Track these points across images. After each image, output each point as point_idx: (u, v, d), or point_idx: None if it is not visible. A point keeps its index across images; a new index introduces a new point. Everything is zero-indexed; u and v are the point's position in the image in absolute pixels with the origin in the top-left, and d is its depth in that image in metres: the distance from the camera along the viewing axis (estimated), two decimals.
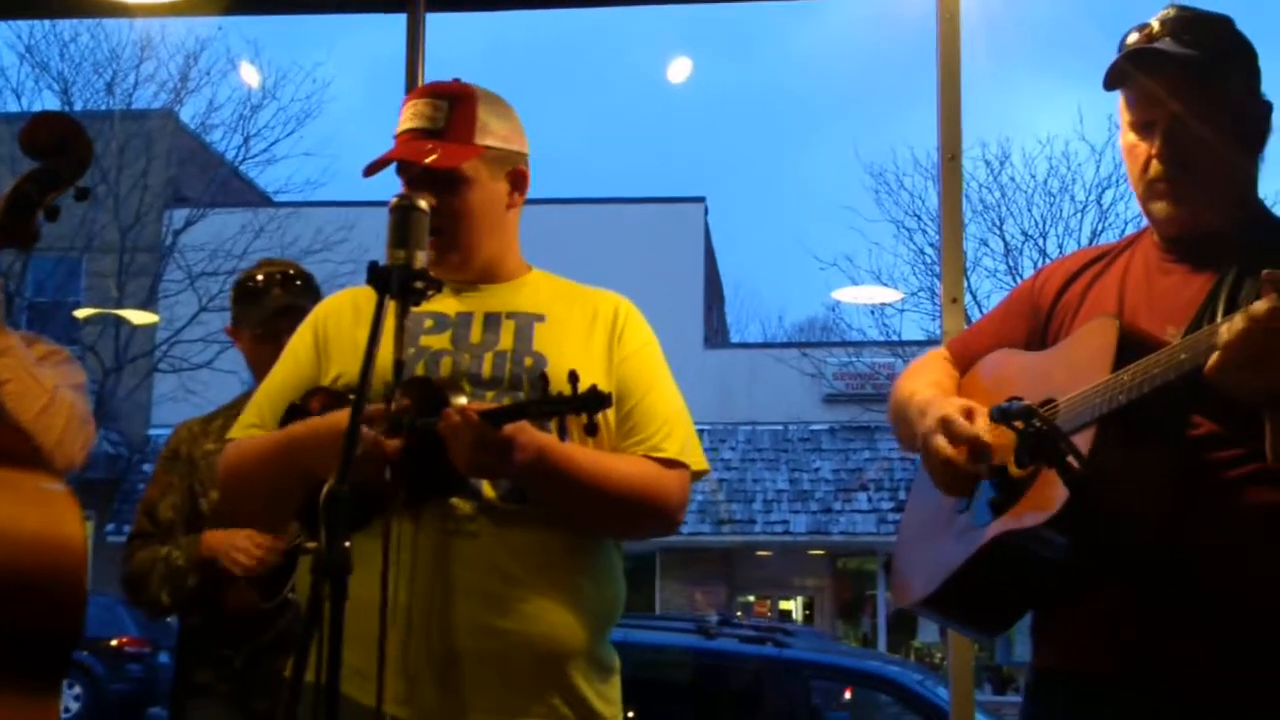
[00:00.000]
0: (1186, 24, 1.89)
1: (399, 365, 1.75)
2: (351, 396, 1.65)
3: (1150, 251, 1.96)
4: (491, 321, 2.09)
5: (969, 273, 17.12)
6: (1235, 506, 1.75)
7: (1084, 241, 17.45)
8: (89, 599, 2.05)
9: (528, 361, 2.03)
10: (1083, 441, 1.74)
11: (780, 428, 20.07)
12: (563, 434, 1.95)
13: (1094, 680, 1.85)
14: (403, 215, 1.80)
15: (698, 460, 2.10)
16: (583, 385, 1.82)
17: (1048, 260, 12.25)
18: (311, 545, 1.58)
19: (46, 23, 17.25)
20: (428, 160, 2.05)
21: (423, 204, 1.82)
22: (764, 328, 34.78)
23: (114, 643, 14.48)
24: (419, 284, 1.76)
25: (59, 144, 2.13)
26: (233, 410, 2.89)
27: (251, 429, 2.10)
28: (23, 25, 17.14)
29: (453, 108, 2.10)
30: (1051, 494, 1.73)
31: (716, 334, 25.14)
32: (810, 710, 6.38)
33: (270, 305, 3.09)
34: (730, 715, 6.25)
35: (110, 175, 17.80)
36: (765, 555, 20.23)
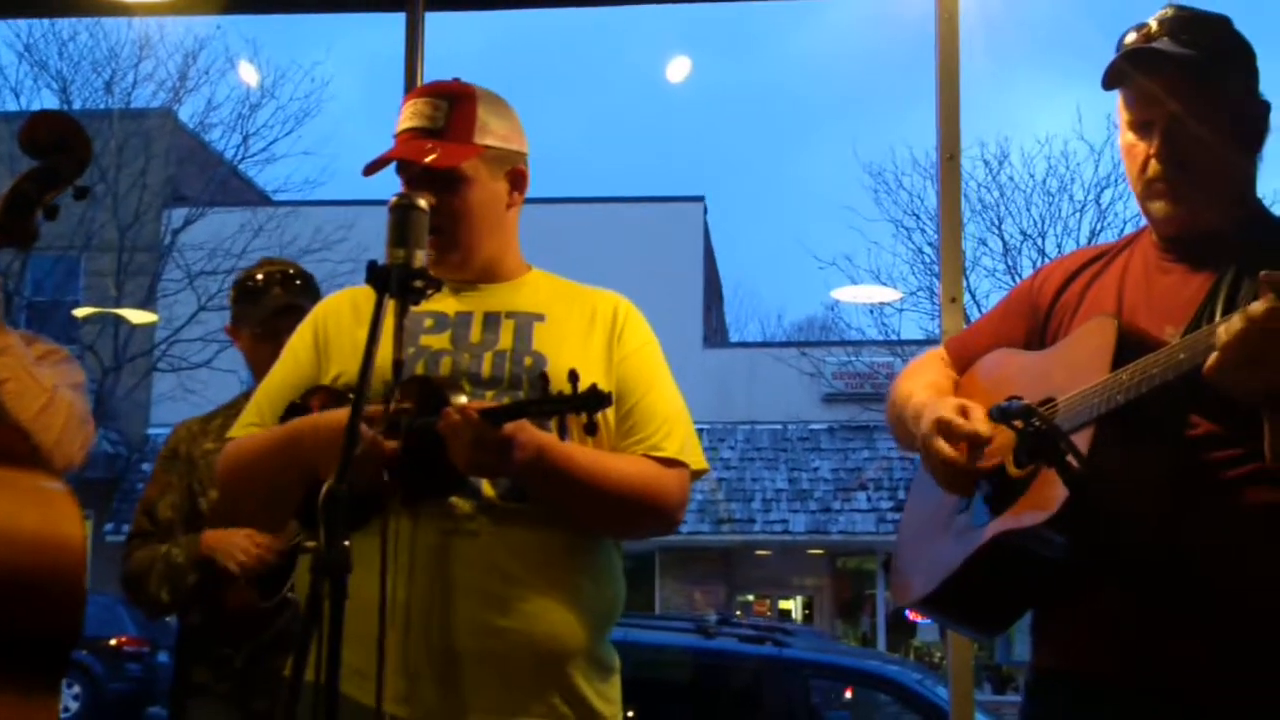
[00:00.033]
0: (1185, 24, 1.89)
1: (398, 364, 1.75)
2: (351, 395, 1.65)
3: (1149, 251, 1.96)
4: (491, 321, 2.09)
5: (968, 272, 17.13)
6: (1234, 506, 1.75)
7: (1083, 241, 17.45)
8: (88, 598, 2.05)
9: (527, 361, 2.03)
10: (1081, 441, 1.74)
11: (779, 427, 20.07)
12: (563, 433, 1.95)
13: (1094, 680, 1.85)
14: (402, 214, 1.80)
15: (697, 459, 2.10)
16: (582, 384, 1.82)
17: (1046, 260, 12.23)
18: (311, 544, 1.58)
19: (45, 21, 17.25)
20: (427, 159, 2.05)
21: (422, 203, 1.82)
22: (763, 327, 34.85)
23: (113, 642, 14.47)
24: (418, 283, 1.76)
25: (58, 143, 2.13)
26: (232, 410, 2.89)
27: (251, 428, 2.10)
28: (21, 24, 17.12)
29: (452, 107, 2.10)
30: (1051, 493, 1.73)
31: (716, 333, 25.15)
32: (809, 709, 6.38)
33: (270, 305, 3.09)
34: (730, 715, 6.25)
35: (109, 174, 17.80)
36: (764, 555, 20.24)
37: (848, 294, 19.32)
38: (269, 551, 2.86)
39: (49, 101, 18.25)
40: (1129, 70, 1.90)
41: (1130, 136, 1.94)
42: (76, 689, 14.24)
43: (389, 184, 2.10)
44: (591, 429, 1.88)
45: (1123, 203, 17.75)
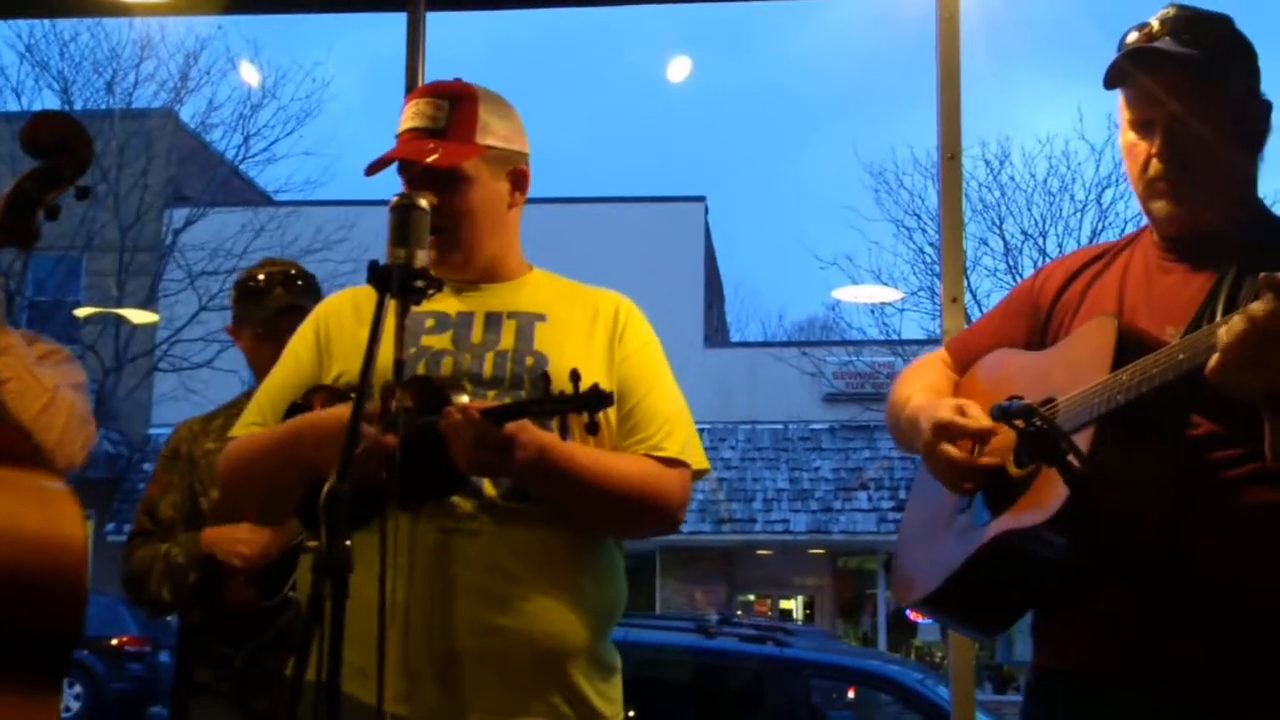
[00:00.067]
0: (1186, 23, 1.89)
1: (399, 364, 1.74)
2: (353, 395, 1.66)
3: (1150, 251, 1.96)
4: (493, 321, 2.09)
5: (969, 272, 17.15)
6: (1234, 506, 1.75)
7: (1084, 240, 17.45)
8: (89, 598, 2.05)
9: (529, 361, 2.03)
10: (1082, 441, 1.74)
11: (780, 427, 20.07)
12: (564, 433, 1.95)
13: (1094, 680, 1.85)
14: (403, 214, 1.80)
15: (698, 459, 2.10)
16: (584, 384, 1.82)
17: (1047, 259, 12.23)
18: (312, 544, 1.58)
19: (46, 22, 17.27)
20: (429, 159, 2.05)
21: (423, 203, 1.82)
22: (764, 327, 34.87)
23: (114, 642, 14.48)
24: (419, 283, 1.75)
25: (59, 143, 2.13)
26: (233, 409, 2.89)
27: (253, 427, 2.10)
28: (23, 24, 17.15)
29: (454, 107, 2.10)
30: (1051, 493, 1.73)
31: (716, 333, 25.14)
32: (810, 709, 6.37)
33: (272, 305, 3.08)
34: (730, 714, 6.24)
35: (110, 174, 17.80)
36: (765, 554, 20.23)
37: (849, 294, 19.33)
38: (270, 546, 2.86)
39: (50, 102, 18.28)
40: (1130, 70, 1.90)
41: (1131, 136, 1.94)
42: (78, 689, 14.25)
43: (390, 184, 2.10)
44: (593, 429, 1.88)
45: (1124, 202, 17.78)
